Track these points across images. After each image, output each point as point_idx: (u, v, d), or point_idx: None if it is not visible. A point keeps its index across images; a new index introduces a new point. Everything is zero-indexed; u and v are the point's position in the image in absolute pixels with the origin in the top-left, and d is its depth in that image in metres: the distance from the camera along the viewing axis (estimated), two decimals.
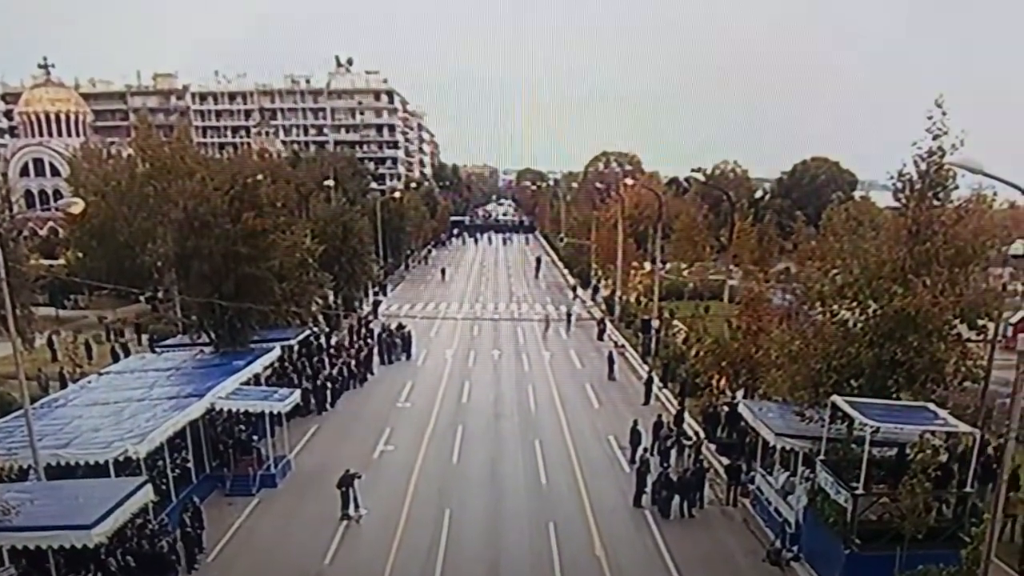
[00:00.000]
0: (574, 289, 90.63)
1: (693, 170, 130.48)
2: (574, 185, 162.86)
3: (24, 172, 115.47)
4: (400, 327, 60.00)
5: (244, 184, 43.12)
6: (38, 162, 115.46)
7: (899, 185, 27.66)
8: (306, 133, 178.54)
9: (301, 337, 48.33)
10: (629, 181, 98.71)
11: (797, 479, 29.03)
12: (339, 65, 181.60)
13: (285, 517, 31.53)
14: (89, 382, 38.69)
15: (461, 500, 33.14)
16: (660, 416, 39.53)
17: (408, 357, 58.10)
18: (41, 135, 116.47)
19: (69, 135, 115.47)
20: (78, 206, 31.31)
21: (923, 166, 26.68)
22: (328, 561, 28.10)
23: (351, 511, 31.16)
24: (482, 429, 42.49)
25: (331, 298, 63.80)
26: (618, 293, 72.23)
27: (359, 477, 31.67)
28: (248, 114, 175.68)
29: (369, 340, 57.80)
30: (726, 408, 38.61)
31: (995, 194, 27.66)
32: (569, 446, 39.69)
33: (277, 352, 43.25)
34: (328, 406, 45.43)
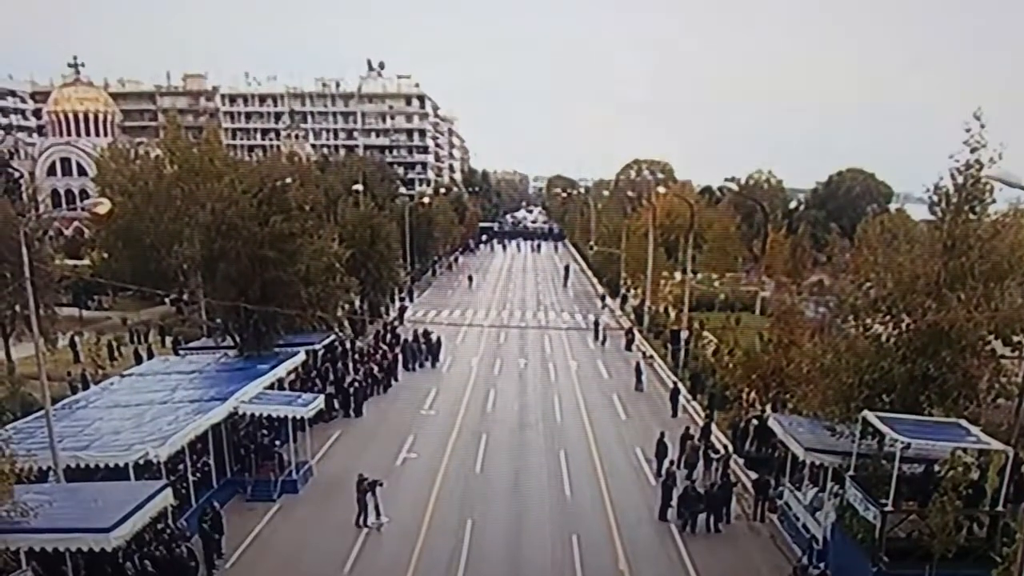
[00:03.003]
0: (603, 298, 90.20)
1: (727, 179, 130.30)
2: (605, 193, 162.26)
3: (51, 171, 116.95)
4: (427, 333, 59.79)
5: (273, 187, 43.02)
6: (65, 161, 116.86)
7: (935, 198, 27.15)
8: (336, 137, 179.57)
9: (326, 342, 48.27)
10: (661, 189, 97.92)
11: (826, 495, 28.58)
12: (371, 69, 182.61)
13: (306, 524, 31.31)
14: (111, 384, 38.55)
15: (484, 510, 32.80)
16: (687, 428, 38.99)
17: (434, 364, 57.92)
18: (69, 134, 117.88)
19: (97, 135, 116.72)
20: (104, 206, 31.33)
21: (960, 179, 26.18)
22: (348, 569, 27.85)
23: (368, 520, 30.86)
24: (506, 438, 42.17)
25: (357, 303, 63.75)
26: (647, 303, 71.73)
27: (380, 484, 31.35)
28: (278, 117, 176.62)
29: (395, 346, 57.59)
30: (755, 422, 38.10)
31: None
32: (594, 457, 39.29)
33: (302, 357, 43.04)
34: (352, 412, 45.24)
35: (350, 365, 51.05)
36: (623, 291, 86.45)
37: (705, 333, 58.47)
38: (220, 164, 61.72)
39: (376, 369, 50.88)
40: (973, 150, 25.33)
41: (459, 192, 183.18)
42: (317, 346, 46.90)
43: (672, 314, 68.37)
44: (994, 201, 26.67)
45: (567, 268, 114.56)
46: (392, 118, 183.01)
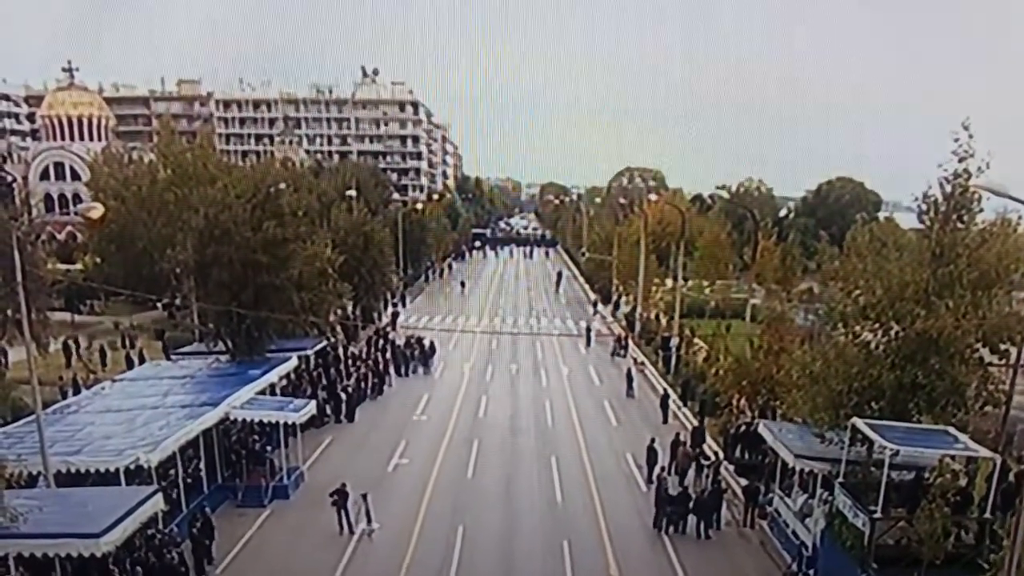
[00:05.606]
0: (594, 304, 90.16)
1: (717, 187, 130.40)
2: (597, 200, 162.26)
3: (45, 176, 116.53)
4: (419, 339, 59.88)
5: (266, 193, 43.03)
6: (59, 166, 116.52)
7: (923, 207, 27.33)
8: (330, 143, 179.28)
9: (318, 347, 48.31)
10: (653, 197, 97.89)
11: (815, 501, 28.66)
12: (365, 75, 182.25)
13: (296, 530, 31.33)
14: (103, 388, 38.53)
15: (475, 516, 32.85)
16: (678, 435, 39.06)
17: (427, 370, 57.96)
18: (63, 139, 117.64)
19: (91, 139, 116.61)
20: (97, 211, 31.13)
21: (948, 188, 26.37)
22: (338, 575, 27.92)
23: (362, 526, 30.88)
24: (498, 444, 42.25)
25: (350, 309, 63.75)
26: (639, 309, 71.77)
27: (346, 490, 31.35)
28: (272, 122, 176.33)
29: (387, 352, 57.61)
30: (744, 428, 38.20)
31: (1020, 217, 27.21)
32: (586, 463, 39.35)
33: (294, 362, 43.10)
34: (344, 418, 45.26)
35: (342, 370, 51.00)
36: (615, 297, 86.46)
37: (696, 340, 58.45)
38: (213, 169, 61.72)
39: (369, 375, 50.90)
40: (961, 160, 25.53)
41: (452, 198, 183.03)
42: (309, 351, 46.90)
43: (663, 321, 68.47)
44: (982, 210, 26.86)
45: (559, 274, 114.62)
46: (386, 124, 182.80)
